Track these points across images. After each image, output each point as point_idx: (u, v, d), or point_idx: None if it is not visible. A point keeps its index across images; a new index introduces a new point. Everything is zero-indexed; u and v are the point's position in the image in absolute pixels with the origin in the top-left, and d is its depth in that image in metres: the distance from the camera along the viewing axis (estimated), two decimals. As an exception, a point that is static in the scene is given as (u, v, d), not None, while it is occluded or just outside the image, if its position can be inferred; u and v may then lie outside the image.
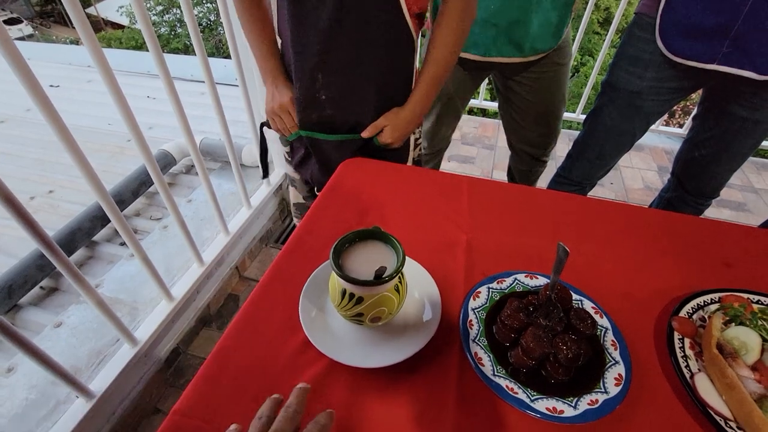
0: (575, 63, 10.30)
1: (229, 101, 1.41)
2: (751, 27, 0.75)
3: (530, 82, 1.10)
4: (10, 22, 19.61)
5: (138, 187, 1.63)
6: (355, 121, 0.80)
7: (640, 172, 2.02)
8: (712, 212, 1.80)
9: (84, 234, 1.44)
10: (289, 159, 0.97)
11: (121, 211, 1.14)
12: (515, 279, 0.56)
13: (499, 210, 0.70)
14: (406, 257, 0.44)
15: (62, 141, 0.74)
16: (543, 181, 1.92)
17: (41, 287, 1.32)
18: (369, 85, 0.76)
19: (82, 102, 2.46)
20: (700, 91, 1.00)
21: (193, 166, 1.90)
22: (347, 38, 0.69)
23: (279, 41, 0.82)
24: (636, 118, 0.98)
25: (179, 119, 1.03)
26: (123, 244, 1.52)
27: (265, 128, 0.94)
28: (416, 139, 0.93)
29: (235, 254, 1.46)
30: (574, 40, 1.96)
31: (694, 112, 1.03)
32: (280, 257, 0.60)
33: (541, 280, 0.56)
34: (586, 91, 2.11)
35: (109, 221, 1.54)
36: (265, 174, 1.08)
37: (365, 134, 0.80)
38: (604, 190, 1.90)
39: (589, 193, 1.21)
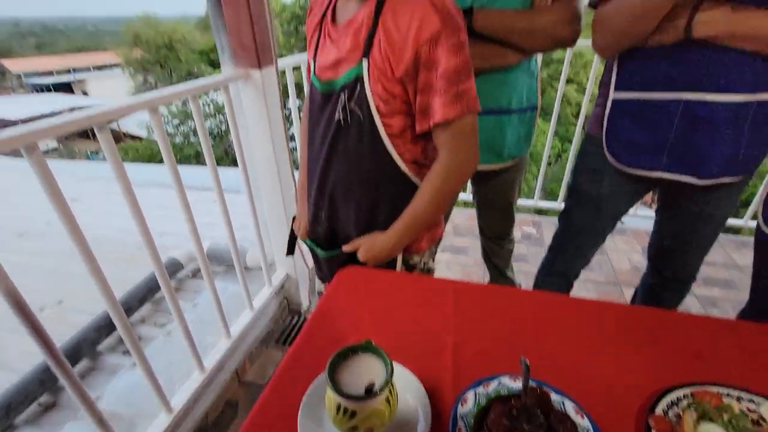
0: (557, 149, 11.21)
1: (236, 207, 1.55)
2: (682, 144, 0.88)
3: (500, 183, 1.31)
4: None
5: (145, 294, 1.70)
6: (345, 239, 0.90)
7: (626, 254, 2.10)
8: (702, 291, 1.85)
9: (89, 344, 1.46)
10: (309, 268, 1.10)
11: (128, 318, 1.19)
12: (500, 382, 0.60)
13: (484, 312, 0.77)
14: (397, 364, 0.49)
15: (81, 254, 0.83)
16: (534, 266, 1.99)
17: (39, 404, 1.31)
18: (357, 210, 0.86)
19: (100, 213, 2.65)
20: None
21: (199, 270, 1.99)
22: (336, 173, 0.83)
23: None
24: (602, 218, 1.09)
25: (190, 229, 1.15)
26: (126, 352, 1.53)
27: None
28: (406, 265, 0.95)
29: (236, 359, 1.47)
30: (543, 132, 2.22)
31: (656, 206, 1.15)
32: (280, 370, 0.65)
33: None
34: (566, 176, 2.31)
35: (114, 330, 1.58)
36: (290, 251, 1.11)
37: (345, 248, 0.88)
38: (594, 274, 1.97)
39: (580, 277, 1.28)
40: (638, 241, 2.23)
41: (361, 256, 0.87)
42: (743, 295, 1.76)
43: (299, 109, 1.31)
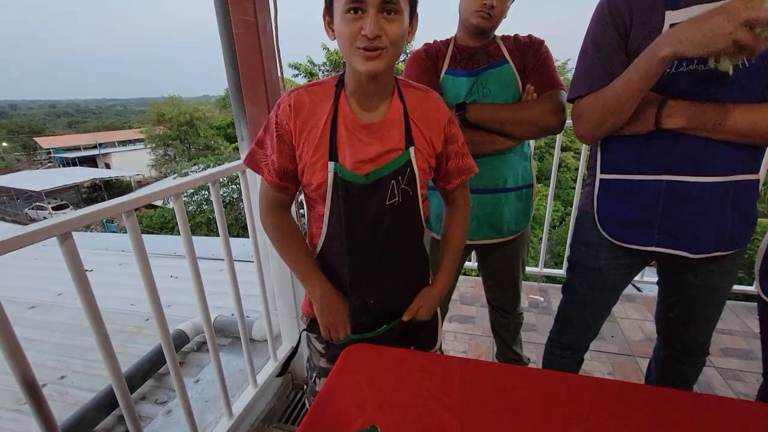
0: (560, 213, 11.37)
1: (245, 276, 1.58)
2: (670, 221, 0.92)
3: (504, 257, 1.36)
4: (58, 207, 22.40)
5: (149, 369, 1.68)
6: (394, 311, 0.96)
7: (638, 322, 2.06)
8: (722, 363, 1.77)
9: (87, 425, 1.42)
10: (323, 352, 1.02)
11: (131, 394, 1.17)
12: (507, 469, 0.59)
13: (491, 393, 0.76)
14: None
15: (92, 327, 0.86)
16: (543, 336, 1.94)
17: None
18: (405, 280, 0.95)
19: (111, 285, 2.69)
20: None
21: (204, 343, 1.97)
22: (394, 255, 0.89)
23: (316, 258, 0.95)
24: (603, 290, 1.10)
25: (199, 301, 1.17)
26: (123, 434, 1.47)
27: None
28: (441, 308, 1.09)
29: (236, 441, 1.40)
30: (544, 196, 2.30)
31: (657, 278, 1.16)
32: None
33: (532, 469, 0.59)
34: (569, 239, 2.33)
35: (113, 409, 1.54)
36: (282, 373, 1.14)
37: (406, 318, 0.95)
38: (606, 344, 1.91)
39: (593, 349, 1.25)
40: (649, 308, 2.18)
41: (424, 315, 0.96)
42: (765, 367, 1.69)
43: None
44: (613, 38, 0.89)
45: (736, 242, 0.93)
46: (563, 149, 14.74)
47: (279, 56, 1.32)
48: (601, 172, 1.00)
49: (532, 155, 1.33)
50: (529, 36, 1.19)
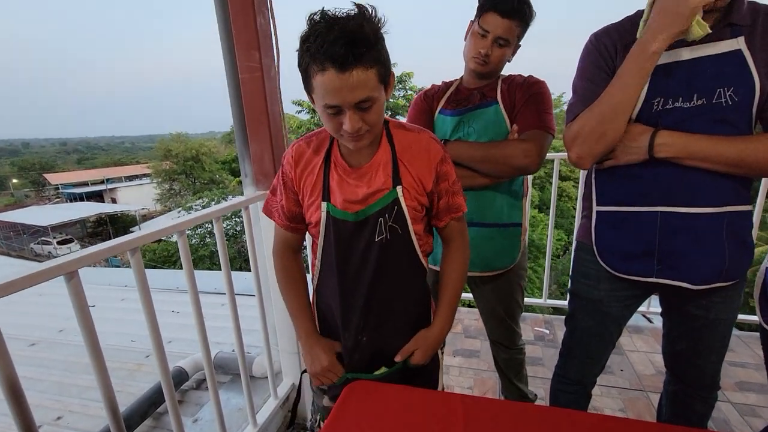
0: (563, 242, 11.32)
1: (246, 310, 1.57)
2: (668, 252, 0.92)
3: (490, 291, 1.35)
4: (63, 242, 22.57)
5: (148, 408, 1.64)
6: (390, 351, 0.93)
7: (647, 355, 2.00)
8: (738, 398, 1.71)
9: (81, 470, 1.37)
10: (325, 389, 1.02)
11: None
12: None
13: (493, 430, 0.75)
14: None
15: (93, 365, 0.85)
16: (549, 370, 1.89)
17: None
18: (400, 319, 0.94)
19: (113, 320, 2.68)
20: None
21: (203, 380, 1.93)
22: (384, 289, 0.89)
23: (313, 287, 0.99)
24: (606, 321, 1.09)
25: (200, 340, 1.17)
26: (117, 479, 1.42)
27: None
28: (441, 349, 1.04)
29: (234, 486, 1.35)
30: (548, 226, 2.29)
31: (661, 310, 1.14)
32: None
33: None
34: (572, 270, 2.33)
35: (110, 452, 1.49)
36: (292, 422, 1.11)
37: (398, 358, 0.93)
38: (615, 378, 1.85)
39: (602, 384, 1.21)
40: (657, 340, 2.13)
41: (419, 359, 0.93)
42: (782, 402, 1.63)
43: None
44: (603, 70, 0.94)
45: (736, 272, 0.93)
46: (564, 179, 14.89)
47: (280, 99, 1.38)
48: (597, 204, 1.02)
49: (527, 193, 1.31)
50: (529, 76, 1.21)
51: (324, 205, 0.86)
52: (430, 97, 1.29)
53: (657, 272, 0.95)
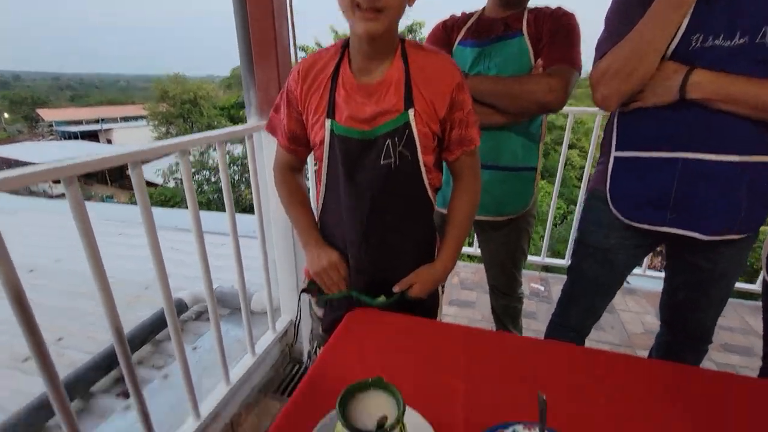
0: (562, 211, 11.34)
1: (244, 251, 1.56)
2: (684, 200, 0.90)
3: (498, 238, 1.33)
4: (56, 181, 22.28)
5: (147, 335, 1.68)
6: (391, 281, 0.92)
7: (638, 315, 2.05)
8: (720, 358, 1.77)
9: (84, 384, 1.42)
10: (320, 318, 1.02)
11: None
12: (513, 430, 0.58)
13: (496, 360, 0.75)
14: (408, 408, 0.48)
15: (99, 290, 0.85)
16: (543, 324, 1.94)
17: (23, 447, 1.25)
18: (403, 248, 0.91)
19: (110, 254, 2.68)
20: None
21: (202, 312, 1.97)
22: (388, 215, 0.86)
23: (317, 215, 0.98)
24: (610, 271, 1.09)
25: (203, 271, 1.17)
26: (119, 395, 1.48)
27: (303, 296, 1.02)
28: (442, 286, 1.04)
29: (232, 407, 1.40)
30: (548, 194, 2.28)
31: (665, 262, 1.14)
32: (288, 407, 0.63)
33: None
34: (571, 237, 2.33)
35: (110, 371, 1.54)
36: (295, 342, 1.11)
37: (396, 289, 0.91)
38: (606, 335, 1.91)
39: (593, 339, 1.25)
40: (650, 302, 2.18)
41: (417, 292, 0.91)
42: (764, 364, 1.69)
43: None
44: (639, 3, 0.86)
45: (749, 225, 0.92)
46: (569, 147, 14.59)
47: (292, 18, 1.28)
48: (616, 150, 0.98)
49: (543, 137, 1.26)
50: (558, 8, 1.12)
51: (328, 122, 0.81)
52: (450, 27, 1.20)
53: (669, 221, 0.94)
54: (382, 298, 0.92)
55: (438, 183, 0.93)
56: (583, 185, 2.26)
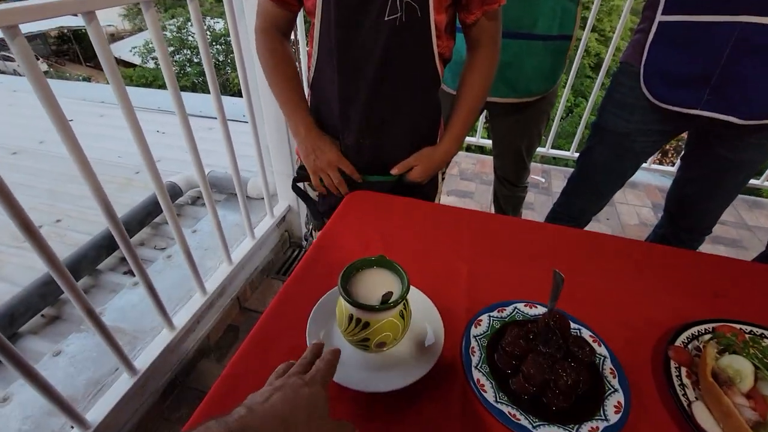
0: (569, 104, 10.77)
1: (235, 136, 1.47)
2: (729, 76, 0.81)
3: (514, 123, 1.22)
4: (26, 59, 20.46)
5: (145, 217, 1.67)
6: (390, 162, 0.84)
7: (635, 208, 2.07)
8: (707, 248, 1.83)
9: (89, 262, 1.45)
10: (316, 201, 0.98)
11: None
12: (515, 308, 0.58)
13: (499, 242, 0.73)
14: (411, 287, 0.46)
15: (80, 169, 0.78)
16: (540, 215, 1.96)
17: (42, 315, 1.32)
18: (405, 126, 0.81)
19: (94, 135, 2.55)
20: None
21: (198, 197, 1.94)
22: (390, 86, 0.75)
23: (308, 94, 0.86)
24: (626, 157, 1.03)
25: (191, 152, 1.09)
26: (126, 273, 1.53)
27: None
28: (443, 173, 0.97)
29: (236, 284, 1.47)
30: (565, 84, 2.08)
31: (683, 152, 1.08)
32: (288, 284, 0.63)
33: (540, 309, 0.58)
34: (580, 130, 2.21)
35: (114, 250, 1.57)
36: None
37: (394, 171, 0.85)
38: (600, 225, 1.94)
39: (586, 228, 1.25)
40: (649, 195, 2.18)
41: (417, 176, 0.85)
42: (749, 255, 1.75)
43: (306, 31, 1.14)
44: None
45: None
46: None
47: None
48: (663, 12, 0.83)
49: None
50: None
51: None
52: None
53: (705, 103, 0.85)
54: (375, 177, 0.87)
55: (448, 53, 0.79)
56: (601, 77, 2.03)
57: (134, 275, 1.03)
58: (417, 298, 0.56)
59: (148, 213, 1.68)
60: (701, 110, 0.86)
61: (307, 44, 0.82)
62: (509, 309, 0.58)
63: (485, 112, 1.33)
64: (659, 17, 0.84)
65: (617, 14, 12.36)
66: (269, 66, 0.83)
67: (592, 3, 1.84)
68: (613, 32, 1.87)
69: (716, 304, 0.63)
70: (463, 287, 0.63)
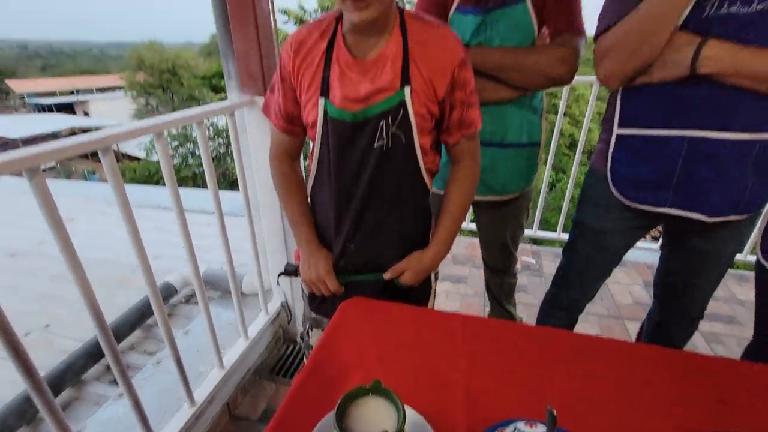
0: (551, 180, 11.37)
1: (233, 230, 1.52)
2: (688, 180, 0.87)
3: (497, 216, 1.30)
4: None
5: (137, 320, 1.65)
6: (378, 263, 0.89)
7: (627, 287, 2.09)
8: (704, 326, 1.82)
9: (74, 373, 1.40)
10: (307, 296, 1.01)
11: (117, 344, 1.14)
12: (515, 428, 0.57)
13: (494, 350, 0.74)
14: (407, 407, 0.46)
15: (75, 279, 0.80)
16: (535, 298, 1.95)
17: (16, 438, 1.23)
18: (396, 233, 0.87)
19: (94, 234, 2.61)
20: None
21: (192, 295, 1.94)
22: (380, 199, 0.82)
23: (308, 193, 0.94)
24: (606, 252, 1.08)
25: (188, 255, 1.12)
26: (112, 382, 1.46)
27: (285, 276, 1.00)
28: (435, 273, 1.01)
29: (227, 391, 1.40)
30: (545, 163, 2.26)
31: (661, 241, 1.13)
32: (283, 407, 0.61)
33: (541, 428, 0.57)
34: (565, 206, 2.35)
35: (101, 357, 1.51)
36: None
37: (387, 276, 0.89)
38: (595, 307, 1.94)
39: (583, 311, 1.26)
40: (639, 273, 2.21)
41: (408, 280, 0.89)
42: (747, 331, 1.74)
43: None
44: None
45: (753, 205, 0.89)
46: (564, 115, 14.42)
47: (272, -18, 1.17)
48: (619, 126, 0.94)
49: (545, 110, 1.21)
50: None
51: (321, 101, 0.76)
52: None
53: (671, 202, 0.91)
54: (364, 275, 0.91)
55: (435, 167, 0.88)
56: (578, 156, 2.22)
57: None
58: (414, 420, 0.56)
59: (141, 315, 1.66)
60: (669, 208, 0.92)
61: (306, 161, 0.93)
62: (509, 429, 0.57)
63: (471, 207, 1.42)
64: (616, 130, 0.94)
65: (584, 101, 13.63)
66: (280, 188, 0.93)
67: (561, 92, 2.08)
68: (583, 116, 2.09)
69: (720, 410, 0.62)
70: (462, 403, 0.62)
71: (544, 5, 1.02)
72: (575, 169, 2.26)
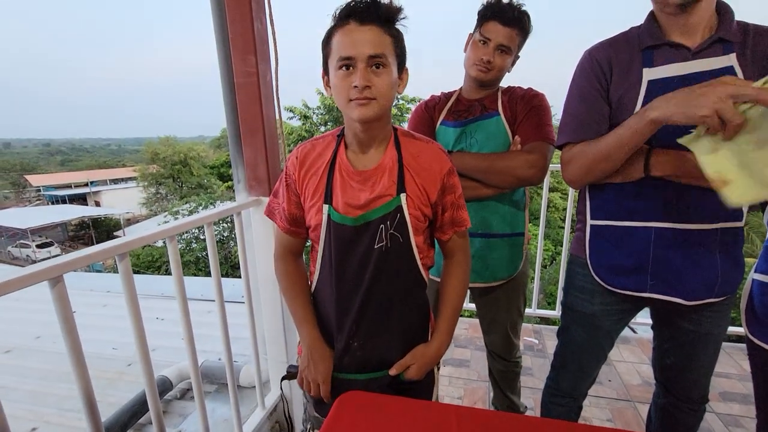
0: (550, 253, 11.46)
1: (233, 318, 1.53)
2: (662, 266, 0.93)
3: (493, 299, 1.35)
4: (42, 245, 21.98)
5: (129, 419, 1.59)
6: (382, 359, 0.92)
7: (634, 366, 2.03)
8: (722, 408, 1.74)
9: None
10: (307, 398, 1.01)
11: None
12: None
13: (487, 441, 0.74)
14: None
15: (75, 374, 0.82)
16: (539, 380, 1.89)
17: None
18: (396, 327, 0.91)
19: (93, 327, 2.60)
20: None
21: (188, 389, 1.88)
22: (380, 296, 0.88)
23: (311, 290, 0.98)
24: (598, 335, 1.09)
25: (189, 352, 1.14)
26: (95, 494, 1.37)
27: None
28: (437, 366, 1.03)
29: (219, 500, 1.31)
30: (536, 236, 2.33)
31: (652, 323, 1.14)
32: None
33: None
34: (560, 281, 2.36)
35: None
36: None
37: (392, 372, 0.91)
38: (604, 389, 1.87)
39: (591, 394, 1.22)
40: (644, 351, 2.16)
41: (414, 374, 0.91)
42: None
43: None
44: (597, 90, 0.94)
45: (727, 288, 0.94)
46: (551, 190, 15.09)
47: (278, 104, 1.37)
48: (591, 218, 1.02)
49: (528, 204, 1.33)
50: (528, 89, 1.23)
51: (326, 207, 0.85)
52: (432, 107, 1.30)
53: (650, 287, 0.95)
54: (370, 374, 0.92)
55: (430, 261, 0.96)
56: (567, 228, 2.31)
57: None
58: None
59: (132, 414, 1.61)
60: (649, 293, 0.95)
61: (308, 262, 1.00)
62: None
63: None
64: (589, 221, 1.02)
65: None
66: (284, 286, 0.98)
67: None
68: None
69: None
70: (455, 503, 0.61)
71: (515, 118, 1.19)
72: (566, 244, 2.34)
